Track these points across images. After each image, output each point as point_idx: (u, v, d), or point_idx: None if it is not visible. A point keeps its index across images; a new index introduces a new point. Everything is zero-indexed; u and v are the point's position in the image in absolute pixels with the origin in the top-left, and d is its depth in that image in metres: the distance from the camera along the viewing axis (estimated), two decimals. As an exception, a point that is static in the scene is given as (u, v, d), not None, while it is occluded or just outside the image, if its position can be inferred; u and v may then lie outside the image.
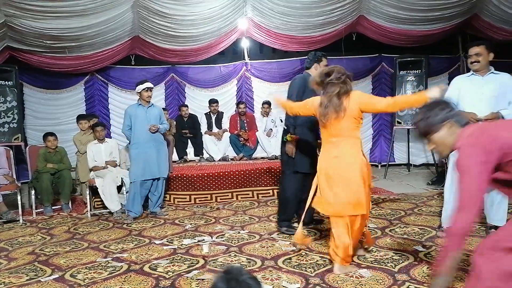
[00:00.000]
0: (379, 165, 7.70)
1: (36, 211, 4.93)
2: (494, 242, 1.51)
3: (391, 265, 2.78)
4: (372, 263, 2.84)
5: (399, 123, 7.01)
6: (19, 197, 4.75)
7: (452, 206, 2.97)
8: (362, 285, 2.49)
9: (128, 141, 4.75)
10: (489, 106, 3.22)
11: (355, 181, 2.65)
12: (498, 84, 3.24)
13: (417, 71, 6.97)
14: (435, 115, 1.72)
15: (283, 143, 3.68)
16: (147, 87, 4.54)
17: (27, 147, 5.67)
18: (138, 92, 4.56)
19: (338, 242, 2.68)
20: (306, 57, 3.81)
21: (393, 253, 3.03)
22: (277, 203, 3.94)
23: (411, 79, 7.03)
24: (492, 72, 3.31)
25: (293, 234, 3.46)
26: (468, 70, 3.60)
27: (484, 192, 1.52)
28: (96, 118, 6.09)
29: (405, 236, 3.46)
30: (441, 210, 3.60)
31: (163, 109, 7.11)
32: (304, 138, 3.55)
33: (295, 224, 3.92)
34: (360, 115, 2.72)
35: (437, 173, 6.42)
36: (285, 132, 3.65)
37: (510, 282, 1.42)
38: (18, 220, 4.61)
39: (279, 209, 3.83)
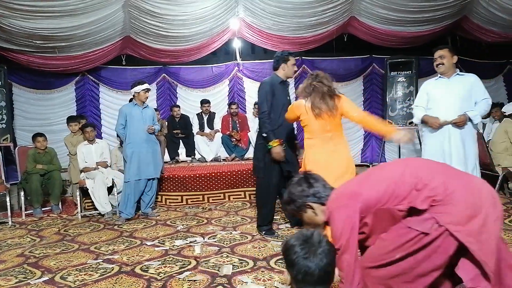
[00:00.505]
0: (371, 165, 7.74)
1: (25, 212, 4.88)
2: (366, 264, 1.71)
3: (382, 265, 2.80)
4: (363, 263, 2.86)
5: (390, 123, 7.06)
6: (8, 199, 4.69)
7: None
8: (354, 285, 2.50)
9: (119, 141, 4.72)
10: (457, 107, 3.29)
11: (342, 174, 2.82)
12: (465, 85, 3.33)
13: (408, 72, 7.04)
14: (296, 199, 1.84)
15: (257, 149, 3.65)
16: (146, 88, 4.59)
17: (16, 148, 5.60)
18: (137, 93, 4.56)
19: None
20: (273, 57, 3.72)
21: (384, 252, 3.05)
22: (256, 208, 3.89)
23: (401, 80, 7.09)
24: (457, 74, 3.40)
25: (273, 235, 3.58)
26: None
27: (356, 242, 1.67)
28: (84, 120, 6.04)
29: (396, 235, 3.48)
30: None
31: (155, 109, 7.11)
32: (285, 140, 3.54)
33: (281, 226, 3.95)
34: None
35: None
36: (259, 139, 3.62)
37: (388, 281, 1.65)
38: (7, 222, 4.55)
39: (257, 214, 3.80)
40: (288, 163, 3.54)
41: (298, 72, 7.79)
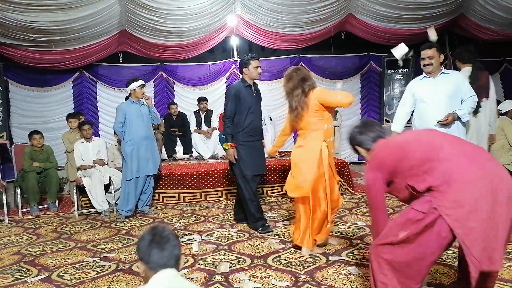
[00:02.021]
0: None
1: (22, 210, 4.86)
2: (376, 242, 1.90)
3: (379, 262, 2.81)
4: (360, 261, 2.86)
5: (387, 121, 7.07)
6: (4, 197, 4.68)
7: None
8: (351, 282, 2.51)
9: (116, 139, 4.71)
10: (445, 107, 3.28)
11: (307, 166, 2.96)
12: (450, 83, 3.32)
13: (405, 70, 7.05)
14: (349, 141, 2.22)
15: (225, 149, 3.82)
16: (141, 84, 4.59)
17: (13, 146, 5.57)
18: (133, 90, 4.55)
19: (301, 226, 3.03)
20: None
21: (381, 250, 3.06)
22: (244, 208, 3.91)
23: (399, 78, 7.10)
24: (443, 72, 3.38)
25: (270, 232, 3.66)
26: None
27: (383, 200, 1.96)
28: (82, 116, 6.02)
29: (393, 233, 3.49)
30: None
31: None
32: (246, 142, 3.70)
33: (279, 223, 3.95)
34: (321, 108, 3.00)
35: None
36: (222, 140, 3.77)
37: (389, 267, 1.80)
38: (4, 220, 4.53)
39: (247, 214, 3.83)
40: (250, 165, 3.70)
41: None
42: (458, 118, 3.29)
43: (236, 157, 3.66)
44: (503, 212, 1.61)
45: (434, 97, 3.33)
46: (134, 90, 4.54)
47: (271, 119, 6.79)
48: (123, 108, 4.55)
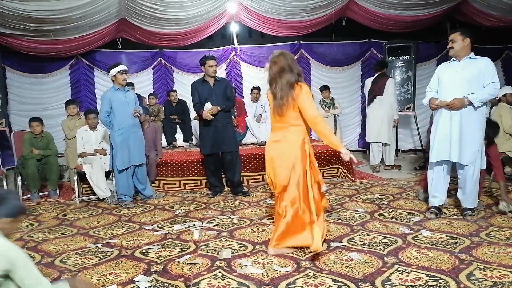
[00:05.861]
0: (368, 151, 7.75)
1: (22, 197, 4.85)
2: None
3: (380, 248, 2.83)
4: (361, 247, 2.88)
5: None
6: (4, 184, 4.68)
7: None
8: (352, 267, 2.52)
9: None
10: (461, 91, 3.29)
11: (288, 162, 2.78)
12: (473, 69, 3.31)
13: (406, 57, 7.00)
14: None
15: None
16: (122, 70, 4.34)
17: (12, 133, 5.55)
18: (113, 76, 4.32)
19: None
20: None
21: (382, 236, 3.08)
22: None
23: (400, 65, 7.05)
24: (469, 57, 3.37)
25: (212, 196, 4.64)
26: (445, 59, 3.71)
27: None
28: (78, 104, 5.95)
29: (393, 220, 3.52)
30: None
31: (152, 94, 7.04)
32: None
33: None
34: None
35: (425, 158, 6.50)
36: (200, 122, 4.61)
37: None
38: (5, 207, 4.53)
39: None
40: (221, 143, 4.49)
41: (295, 57, 7.75)
42: (472, 104, 3.26)
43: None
44: None
45: (453, 80, 3.36)
46: (115, 76, 4.31)
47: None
48: (108, 97, 4.34)
